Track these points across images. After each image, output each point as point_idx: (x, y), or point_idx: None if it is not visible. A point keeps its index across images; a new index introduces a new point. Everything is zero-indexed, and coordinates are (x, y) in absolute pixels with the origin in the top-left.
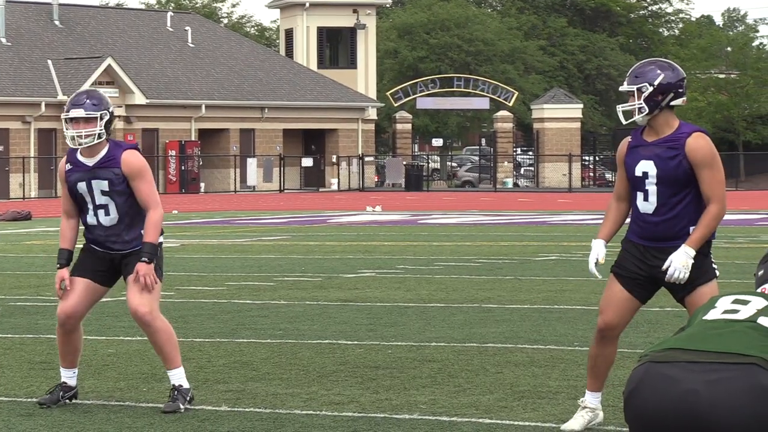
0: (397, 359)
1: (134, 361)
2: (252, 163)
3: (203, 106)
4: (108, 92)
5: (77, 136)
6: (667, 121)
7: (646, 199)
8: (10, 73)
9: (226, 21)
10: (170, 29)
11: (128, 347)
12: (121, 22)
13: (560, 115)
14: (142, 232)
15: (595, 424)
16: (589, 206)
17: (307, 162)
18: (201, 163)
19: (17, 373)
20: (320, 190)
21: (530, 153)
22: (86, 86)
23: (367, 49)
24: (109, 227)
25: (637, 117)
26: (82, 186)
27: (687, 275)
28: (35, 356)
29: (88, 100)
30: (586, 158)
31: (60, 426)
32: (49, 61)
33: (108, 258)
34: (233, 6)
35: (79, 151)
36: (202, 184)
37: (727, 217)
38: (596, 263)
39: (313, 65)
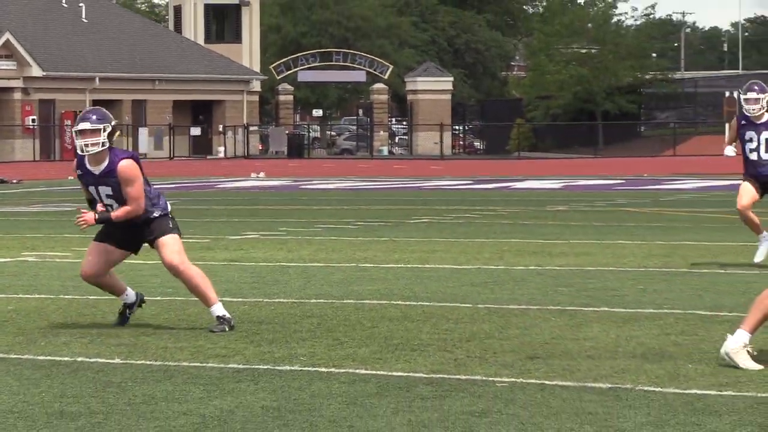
0: (279, 315)
1: (32, 317)
2: (144, 132)
3: (97, 78)
4: (6, 65)
5: (84, 145)
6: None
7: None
8: None
9: None
10: (65, 5)
11: (27, 304)
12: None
13: (432, 87)
14: (153, 201)
15: None
16: (459, 172)
17: (196, 131)
18: None
19: None
20: (208, 157)
21: (404, 123)
22: None
23: (251, 24)
24: None
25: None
26: (92, 189)
27: None
28: None
29: (93, 116)
30: (456, 127)
31: None
32: None
33: (128, 225)
34: None
35: (86, 159)
36: None
37: (586, 182)
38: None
39: (201, 40)
